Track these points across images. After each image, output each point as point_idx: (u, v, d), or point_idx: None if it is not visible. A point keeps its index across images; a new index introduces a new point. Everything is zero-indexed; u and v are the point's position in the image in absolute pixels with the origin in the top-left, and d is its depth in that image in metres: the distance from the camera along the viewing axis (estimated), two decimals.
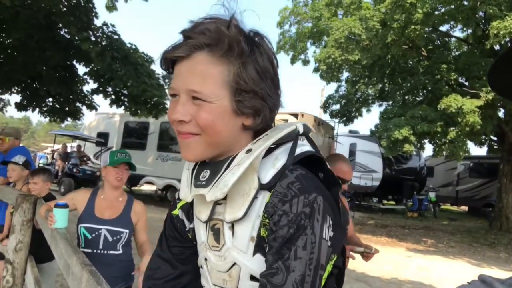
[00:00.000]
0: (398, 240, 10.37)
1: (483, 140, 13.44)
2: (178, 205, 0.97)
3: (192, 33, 0.74)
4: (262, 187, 0.75)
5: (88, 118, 17.18)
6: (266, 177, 0.76)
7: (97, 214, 2.36)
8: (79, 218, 2.37)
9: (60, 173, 13.28)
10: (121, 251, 2.36)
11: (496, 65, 0.49)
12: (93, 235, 2.31)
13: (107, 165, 2.40)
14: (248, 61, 0.75)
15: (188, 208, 0.95)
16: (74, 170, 12.84)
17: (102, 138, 15.17)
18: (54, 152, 15.89)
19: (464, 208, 20.35)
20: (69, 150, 14.97)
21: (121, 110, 9.67)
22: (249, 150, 0.76)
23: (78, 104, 9.64)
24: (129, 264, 2.41)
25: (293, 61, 15.34)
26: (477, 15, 10.74)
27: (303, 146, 0.81)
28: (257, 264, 0.77)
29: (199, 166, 0.83)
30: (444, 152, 11.05)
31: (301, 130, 0.82)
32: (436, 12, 11.05)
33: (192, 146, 0.76)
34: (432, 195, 16.89)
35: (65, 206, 2.23)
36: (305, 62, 15.40)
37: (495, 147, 13.99)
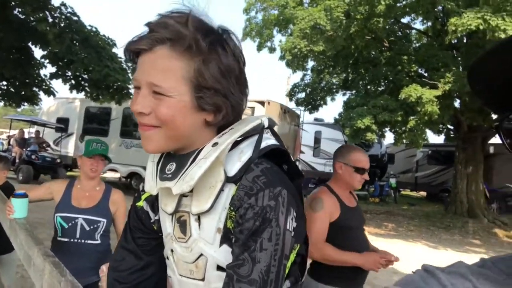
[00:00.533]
0: None
1: (440, 129, 14.00)
2: (143, 197, 0.97)
3: (155, 26, 0.74)
4: (228, 180, 0.77)
5: (47, 103, 16.49)
6: (232, 170, 0.77)
7: (74, 203, 2.33)
8: (56, 208, 2.33)
9: (17, 160, 12.70)
10: (99, 241, 2.32)
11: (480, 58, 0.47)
12: (70, 224, 2.27)
13: (82, 155, 2.34)
14: (209, 58, 0.75)
15: (153, 200, 0.94)
16: (33, 157, 12.30)
17: (62, 124, 14.59)
18: (10, 138, 15.14)
19: (423, 193, 21.26)
20: (26, 136, 14.31)
21: (81, 95, 9.32)
22: (215, 144, 0.77)
23: (35, 88, 9.19)
24: (107, 255, 2.37)
25: (259, 48, 15.28)
26: (436, 9, 11.09)
27: (268, 140, 0.83)
28: (223, 254, 0.79)
29: (165, 159, 0.83)
30: (404, 140, 11.45)
31: (266, 124, 0.84)
32: (398, 4, 11.31)
33: (152, 138, 0.77)
34: (392, 181, 17.53)
35: (24, 195, 2.16)
36: (272, 50, 15.39)
37: (452, 135, 14.64)
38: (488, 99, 0.51)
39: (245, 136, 0.82)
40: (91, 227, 2.31)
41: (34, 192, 2.36)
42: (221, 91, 0.77)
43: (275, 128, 0.89)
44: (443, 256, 7.65)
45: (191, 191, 0.77)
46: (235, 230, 0.75)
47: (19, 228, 1.90)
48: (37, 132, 14.15)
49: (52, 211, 2.32)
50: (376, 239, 8.91)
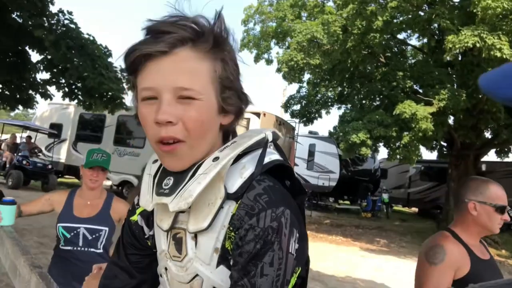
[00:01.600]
0: (353, 240, 10.68)
1: (434, 145, 14.11)
2: (138, 211, 0.92)
3: (170, 28, 0.69)
4: (228, 196, 0.72)
5: (41, 108, 16.38)
6: (233, 187, 0.73)
7: (76, 213, 2.32)
8: (58, 218, 2.32)
9: (8, 165, 12.54)
10: (101, 250, 2.31)
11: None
12: (72, 233, 2.27)
13: (83, 165, 2.34)
14: (229, 57, 0.74)
15: (148, 215, 0.89)
16: (24, 162, 12.13)
17: (55, 130, 14.46)
18: (2, 143, 14.98)
19: (415, 209, 21.29)
20: (18, 141, 14.16)
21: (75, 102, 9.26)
22: (216, 158, 0.72)
23: (31, 92, 9.12)
24: None
25: (256, 59, 15.39)
26: (432, 27, 11.25)
27: (272, 155, 0.79)
28: (220, 276, 0.74)
29: (162, 172, 0.78)
30: (398, 156, 11.50)
31: (270, 138, 0.80)
32: (395, 21, 11.46)
33: (177, 154, 0.72)
34: (385, 196, 17.56)
35: (12, 202, 2.12)
36: (269, 62, 15.49)
37: (445, 152, 14.73)
38: None
39: (247, 150, 0.78)
40: (93, 236, 2.30)
41: (33, 205, 2.35)
42: (238, 90, 0.75)
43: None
44: None
45: (189, 207, 0.73)
46: (234, 252, 0.71)
47: (5, 237, 1.85)
48: (29, 137, 13.99)
49: (40, 218, 2.29)
50: (369, 255, 8.87)
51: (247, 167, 0.75)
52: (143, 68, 0.71)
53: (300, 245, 0.73)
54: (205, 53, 0.71)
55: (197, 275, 0.77)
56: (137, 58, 0.70)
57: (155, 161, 0.83)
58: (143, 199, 0.79)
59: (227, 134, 0.81)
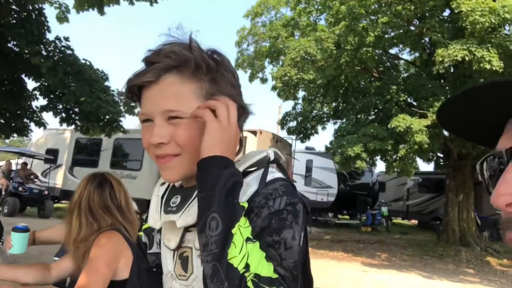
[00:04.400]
0: (354, 255, 10.60)
1: (430, 157, 14.16)
2: (143, 227, 0.95)
3: (157, 58, 0.75)
4: None
5: (36, 134, 16.33)
6: None
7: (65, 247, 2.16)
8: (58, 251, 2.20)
9: (3, 192, 12.43)
10: None
11: (446, 106, 0.53)
12: None
13: None
14: (216, 76, 0.78)
15: (149, 232, 0.93)
16: (20, 189, 12.02)
17: (51, 155, 14.41)
18: None
19: (414, 222, 21.22)
20: (14, 167, 14.07)
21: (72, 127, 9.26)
22: None
23: (26, 120, 9.12)
24: None
25: (251, 79, 15.52)
26: (423, 40, 11.44)
27: (274, 173, 0.82)
28: None
29: (169, 192, 0.83)
30: (395, 169, 11.53)
31: (272, 157, 0.84)
32: (386, 36, 11.65)
33: (173, 167, 0.77)
34: (384, 209, 17.50)
35: (25, 229, 1.98)
36: (263, 81, 15.63)
37: (442, 163, 14.77)
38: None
39: (251, 171, 0.82)
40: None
41: (49, 232, 2.20)
42: (233, 98, 0.78)
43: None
44: (438, 287, 7.57)
45: (195, 225, 0.75)
46: None
47: None
48: (24, 164, 13.90)
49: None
50: (370, 270, 8.80)
51: (251, 185, 0.78)
52: (140, 95, 0.79)
53: (303, 249, 0.75)
54: (188, 76, 0.76)
55: None
56: (131, 88, 0.78)
57: (163, 183, 0.88)
58: (151, 219, 0.83)
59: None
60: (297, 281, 0.70)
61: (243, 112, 0.82)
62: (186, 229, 0.80)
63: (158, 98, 0.75)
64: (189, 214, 0.73)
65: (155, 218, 0.81)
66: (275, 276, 0.65)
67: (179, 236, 0.80)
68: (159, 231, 0.89)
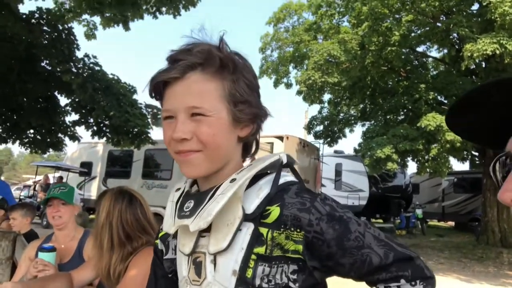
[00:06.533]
0: None
1: (465, 156, 13.69)
2: (160, 235, 0.98)
3: (182, 55, 0.78)
4: (246, 217, 0.76)
5: (71, 148, 16.94)
6: (251, 207, 0.77)
7: (57, 259, 1.99)
8: None
9: (42, 206, 12.94)
10: None
11: (453, 109, 0.54)
12: None
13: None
14: (238, 76, 0.80)
15: (165, 239, 0.96)
16: None
17: (86, 168, 14.91)
18: (36, 184, 15.53)
19: (451, 223, 20.49)
20: (51, 181, 14.65)
21: (103, 139, 9.58)
22: (233, 180, 0.77)
23: (60, 135, 9.51)
24: None
25: (276, 84, 15.55)
26: (450, 36, 11.13)
27: (287, 177, 0.83)
28: None
29: (183, 198, 0.84)
30: (427, 169, 11.20)
31: (284, 161, 0.85)
32: (413, 34, 11.41)
33: (193, 162, 0.78)
34: (419, 212, 16.98)
35: (51, 249, 1.94)
36: (288, 86, 15.62)
37: (477, 162, 14.25)
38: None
39: (264, 174, 0.83)
40: None
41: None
42: (253, 103, 0.81)
43: (296, 159, 0.92)
44: None
45: (209, 230, 0.77)
46: (321, 254, 0.76)
47: None
48: (60, 177, 14.45)
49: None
50: None
51: (263, 188, 0.80)
52: (163, 93, 0.80)
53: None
54: (212, 74, 0.78)
55: None
56: (156, 85, 0.80)
57: (177, 189, 0.90)
58: (166, 224, 0.85)
59: (247, 146, 0.87)
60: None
61: (261, 112, 0.84)
62: (200, 234, 0.81)
63: (183, 94, 0.77)
64: (202, 218, 0.74)
65: (169, 223, 0.82)
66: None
67: (193, 241, 0.81)
68: (175, 236, 0.91)
